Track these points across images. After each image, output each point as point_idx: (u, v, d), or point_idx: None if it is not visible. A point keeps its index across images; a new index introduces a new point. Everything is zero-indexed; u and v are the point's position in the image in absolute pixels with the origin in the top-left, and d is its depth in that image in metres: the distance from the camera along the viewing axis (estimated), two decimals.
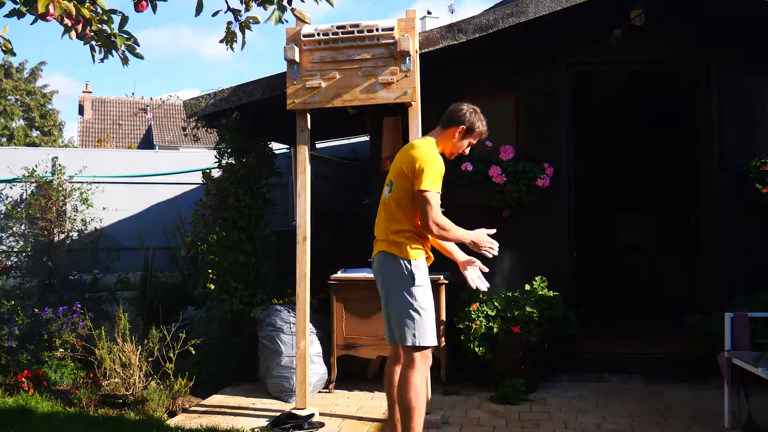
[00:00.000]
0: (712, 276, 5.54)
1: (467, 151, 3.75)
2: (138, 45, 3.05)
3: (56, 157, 7.72)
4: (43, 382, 5.25)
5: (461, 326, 5.11)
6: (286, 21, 3.09)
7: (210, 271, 5.69)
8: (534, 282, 5.19)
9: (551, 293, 5.15)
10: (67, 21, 2.75)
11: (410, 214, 3.48)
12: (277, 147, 6.99)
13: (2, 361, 5.52)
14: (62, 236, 7.54)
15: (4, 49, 2.95)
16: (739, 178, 5.33)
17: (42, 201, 7.42)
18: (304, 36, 4.60)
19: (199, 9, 3.06)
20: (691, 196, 6.54)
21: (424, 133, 4.58)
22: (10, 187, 7.66)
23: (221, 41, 3.20)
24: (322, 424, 4.39)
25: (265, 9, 3.04)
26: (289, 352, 4.99)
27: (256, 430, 4.27)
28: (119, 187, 8.19)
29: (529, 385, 5.02)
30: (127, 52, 3.05)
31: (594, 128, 8.14)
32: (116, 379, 5.08)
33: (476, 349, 5.05)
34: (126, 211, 8.15)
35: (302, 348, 4.63)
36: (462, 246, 3.66)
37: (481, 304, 5.10)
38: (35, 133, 28.57)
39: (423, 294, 3.45)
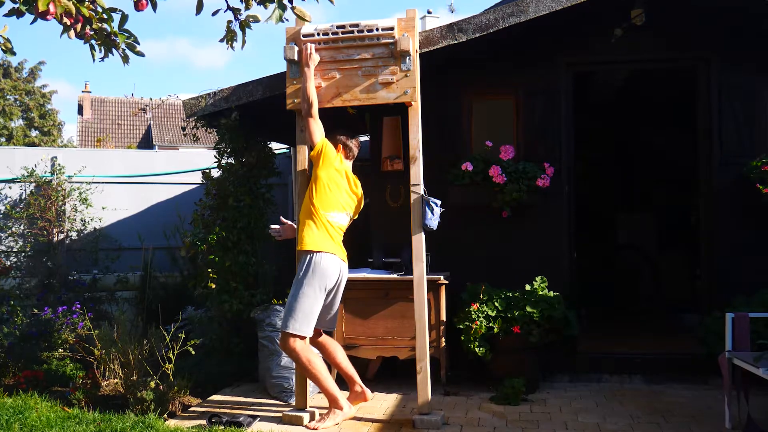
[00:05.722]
0: (712, 276, 5.54)
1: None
2: (138, 43, 3.05)
3: (55, 157, 7.71)
4: (42, 382, 5.24)
5: (461, 326, 5.10)
6: (287, 20, 3.09)
7: (210, 271, 5.68)
8: (534, 282, 5.18)
9: (551, 293, 5.15)
10: (66, 20, 2.74)
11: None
12: (277, 147, 6.98)
13: (2, 361, 5.50)
14: (61, 236, 7.53)
15: (3, 48, 2.95)
16: (740, 178, 5.33)
17: (41, 201, 7.41)
18: (304, 36, 4.58)
19: (199, 8, 3.06)
20: (691, 196, 6.55)
21: (424, 132, 4.58)
22: (9, 187, 7.64)
23: (221, 40, 3.20)
24: None
25: (266, 8, 3.04)
26: None
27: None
28: (118, 187, 8.17)
29: (530, 385, 5.01)
30: (127, 50, 3.05)
31: (594, 128, 8.15)
32: (116, 380, 5.07)
33: (476, 350, 5.04)
34: (125, 211, 8.14)
35: None
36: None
37: (481, 305, 5.10)
38: (34, 133, 28.53)
39: None
